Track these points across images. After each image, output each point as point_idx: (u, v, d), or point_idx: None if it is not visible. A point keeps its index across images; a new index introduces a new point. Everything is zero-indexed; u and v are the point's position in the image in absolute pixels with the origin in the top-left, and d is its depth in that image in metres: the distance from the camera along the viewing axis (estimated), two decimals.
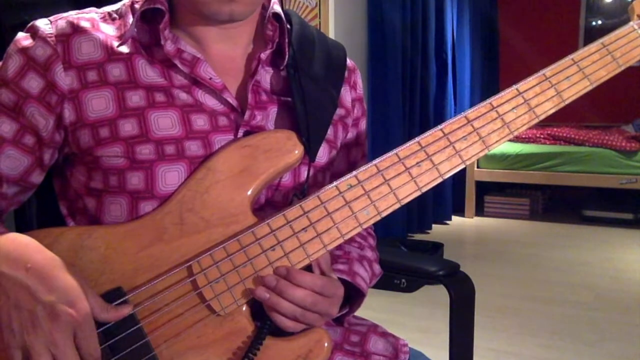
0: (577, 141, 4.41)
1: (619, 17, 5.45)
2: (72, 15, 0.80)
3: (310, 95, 0.82)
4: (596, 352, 2.30)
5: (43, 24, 0.77)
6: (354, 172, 0.75)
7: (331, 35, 3.18)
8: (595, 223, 4.37)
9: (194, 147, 0.76)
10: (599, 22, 5.58)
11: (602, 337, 2.44)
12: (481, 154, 0.77)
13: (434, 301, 2.79)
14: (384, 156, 0.76)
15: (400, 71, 3.73)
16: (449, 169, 0.76)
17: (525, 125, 0.79)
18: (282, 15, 0.83)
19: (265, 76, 0.83)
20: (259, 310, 0.75)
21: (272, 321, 0.73)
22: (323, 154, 0.85)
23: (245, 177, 0.75)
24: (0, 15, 0.96)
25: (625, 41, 0.83)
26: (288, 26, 0.85)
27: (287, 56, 0.83)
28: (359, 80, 0.96)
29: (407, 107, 3.90)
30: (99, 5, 0.84)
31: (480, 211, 4.74)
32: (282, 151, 0.76)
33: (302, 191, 0.79)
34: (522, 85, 0.80)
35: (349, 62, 0.93)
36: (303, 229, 0.73)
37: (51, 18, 0.79)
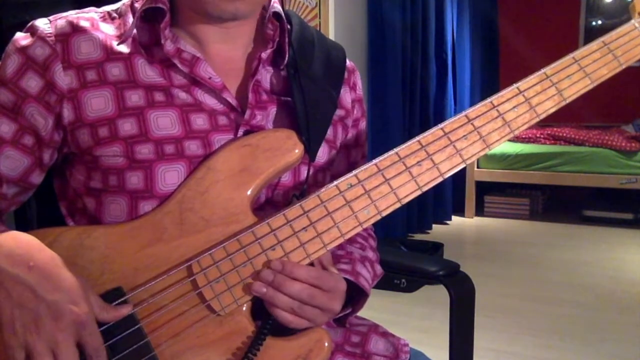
0: (577, 141, 4.41)
1: (619, 17, 5.46)
2: (72, 14, 0.79)
3: (310, 95, 0.82)
4: (596, 352, 2.30)
5: (42, 24, 0.77)
6: (354, 172, 0.75)
7: (331, 35, 3.18)
8: (595, 223, 4.37)
9: (193, 147, 0.76)
10: (599, 22, 5.58)
11: (602, 337, 2.44)
12: (482, 153, 0.77)
13: (434, 301, 2.79)
14: (384, 155, 0.76)
15: (400, 71, 3.73)
16: (449, 168, 0.76)
17: (526, 124, 0.79)
18: (283, 15, 0.83)
19: (266, 76, 0.83)
20: (259, 310, 0.74)
21: (273, 320, 0.73)
22: (323, 154, 0.85)
23: (245, 176, 0.75)
24: (0, 15, 0.96)
25: (627, 39, 0.83)
26: (288, 26, 0.84)
27: (287, 56, 0.83)
28: (359, 81, 0.96)
29: (407, 107, 3.90)
30: (98, 5, 0.84)
31: (480, 211, 4.74)
32: (282, 150, 0.76)
33: (302, 191, 0.78)
34: (522, 84, 0.80)
35: (348, 63, 0.93)
36: (303, 228, 0.73)
37: (50, 18, 0.78)
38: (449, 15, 4.43)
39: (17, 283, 0.65)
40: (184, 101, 0.77)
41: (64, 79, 0.75)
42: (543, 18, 5.61)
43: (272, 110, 0.82)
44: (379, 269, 0.92)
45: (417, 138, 0.77)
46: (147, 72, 0.77)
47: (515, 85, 0.79)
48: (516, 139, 4.52)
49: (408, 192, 0.75)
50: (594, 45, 0.82)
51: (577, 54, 0.82)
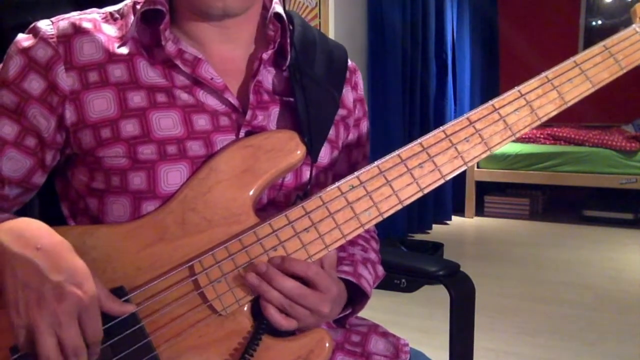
0: (577, 141, 4.41)
1: (619, 18, 5.45)
2: (74, 16, 0.80)
3: (312, 95, 0.82)
4: (596, 352, 2.30)
5: (44, 25, 0.77)
6: (356, 173, 0.75)
7: (331, 35, 3.18)
8: (595, 223, 4.37)
9: (195, 147, 0.76)
10: (599, 22, 5.58)
11: (602, 337, 2.44)
12: (483, 156, 0.77)
13: (434, 301, 2.79)
14: (386, 157, 0.76)
15: (400, 71, 3.73)
16: (451, 171, 0.76)
17: (528, 127, 0.79)
18: (284, 16, 0.83)
19: (267, 76, 0.83)
20: (259, 310, 0.75)
21: (268, 319, 0.73)
22: (325, 154, 0.85)
23: (247, 177, 0.75)
24: (1, 16, 0.96)
25: (628, 44, 0.83)
26: (290, 27, 0.85)
27: (289, 56, 0.83)
28: (360, 81, 0.96)
29: (407, 107, 3.90)
30: (100, 6, 0.84)
31: (480, 211, 4.74)
32: (285, 151, 0.76)
33: (305, 192, 0.79)
34: (524, 87, 0.80)
35: (350, 63, 0.94)
36: (305, 229, 0.73)
37: (53, 19, 0.79)
38: (449, 15, 4.43)
39: (24, 263, 0.65)
40: (186, 102, 0.78)
41: (66, 80, 0.75)
42: (543, 18, 5.60)
43: (274, 110, 0.82)
44: (380, 270, 0.92)
45: (419, 140, 0.77)
46: (149, 73, 0.78)
47: (516, 88, 0.80)
48: (516, 139, 4.51)
49: (410, 194, 0.75)
50: (595, 49, 0.83)
51: (579, 57, 0.82)
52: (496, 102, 0.79)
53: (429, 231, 4.24)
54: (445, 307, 1.06)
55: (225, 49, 0.82)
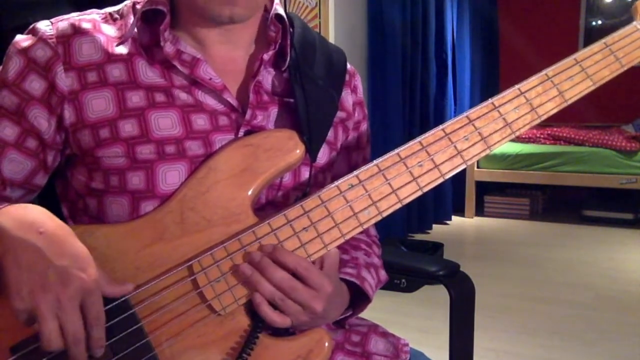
0: (577, 141, 4.41)
1: (619, 17, 5.45)
2: (74, 16, 0.80)
3: (311, 95, 0.82)
4: (596, 352, 2.30)
5: (44, 26, 0.77)
6: (355, 172, 0.75)
7: (331, 35, 3.18)
8: (595, 223, 4.37)
9: (194, 147, 0.76)
10: (599, 22, 5.58)
11: (602, 337, 2.44)
12: (483, 154, 0.77)
13: (434, 301, 2.79)
14: (385, 156, 0.76)
15: (400, 71, 3.73)
16: (450, 169, 0.76)
17: (527, 125, 0.79)
18: (285, 17, 0.83)
19: (267, 77, 0.83)
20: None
21: (263, 321, 0.72)
22: (323, 155, 0.85)
23: (246, 176, 0.75)
24: (0, 16, 0.96)
25: (628, 41, 0.83)
26: (290, 29, 0.85)
27: (288, 58, 0.83)
28: (359, 84, 0.96)
29: (407, 107, 3.90)
30: (99, 7, 0.84)
31: (480, 211, 4.74)
32: (284, 151, 0.76)
33: (304, 192, 0.78)
34: (524, 85, 0.80)
35: (349, 66, 0.94)
36: (304, 228, 0.73)
37: (52, 20, 0.79)
38: (449, 15, 4.43)
39: (26, 247, 0.65)
40: (185, 102, 0.78)
41: (65, 80, 0.75)
42: (543, 18, 5.60)
43: (273, 111, 0.82)
44: (383, 275, 0.92)
45: (418, 139, 0.77)
46: (148, 73, 0.78)
47: (516, 86, 0.79)
48: (516, 139, 4.51)
49: (409, 192, 0.75)
50: (596, 46, 0.83)
51: (579, 55, 0.82)
52: (496, 100, 0.79)
53: (429, 231, 4.24)
54: (445, 307, 1.05)
55: (225, 50, 0.82)
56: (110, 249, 0.73)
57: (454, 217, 4.59)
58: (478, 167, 4.59)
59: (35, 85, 0.75)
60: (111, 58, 0.77)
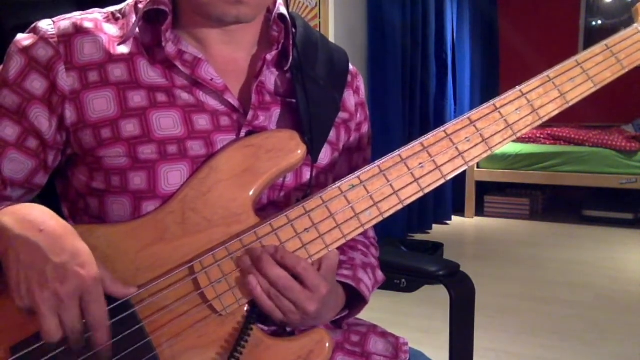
0: (577, 141, 4.41)
1: (619, 17, 5.45)
2: (76, 16, 0.79)
3: (313, 95, 0.82)
4: (596, 352, 2.30)
5: (45, 25, 0.77)
6: (357, 173, 0.75)
7: (331, 35, 3.18)
8: (595, 223, 4.37)
9: (196, 147, 0.76)
10: (599, 22, 5.58)
11: (602, 337, 2.44)
12: (484, 155, 0.77)
13: (434, 301, 2.79)
14: (387, 157, 0.76)
15: (400, 71, 3.73)
16: (451, 170, 0.76)
17: (529, 127, 0.79)
18: (288, 17, 0.83)
19: (270, 77, 0.83)
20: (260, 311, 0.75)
21: (258, 312, 0.72)
22: (325, 156, 0.85)
23: (247, 176, 0.75)
24: (1, 16, 0.96)
25: (630, 43, 0.83)
26: (293, 29, 0.85)
27: (291, 58, 0.83)
28: (362, 85, 0.96)
29: (407, 107, 3.90)
30: (101, 6, 0.84)
31: (480, 211, 4.74)
32: (285, 151, 0.76)
33: (305, 193, 0.78)
34: (525, 87, 0.80)
35: (351, 67, 0.94)
36: (305, 229, 0.73)
37: (54, 19, 0.78)
38: (449, 15, 4.43)
39: (27, 245, 0.65)
40: (186, 102, 0.77)
41: (66, 80, 0.75)
42: (543, 18, 5.60)
43: (275, 111, 0.82)
44: (380, 275, 0.92)
45: (420, 140, 0.77)
46: (149, 73, 0.77)
47: (518, 88, 0.79)
48: (516, 139, 4.51)
49: (410, 193, 0.75)
50: (597, 48, 0.83)
51: (580, 57, 0.82)
52: (497, 101, 0.79)
53: (429, 231, 4.24)
54: (445, 307, 1.05)
55: (227, 50, 0.82)
56: (111, 249, 0.73)
57: (454, 217, 4.59)
58: (478, 167, 4.59)
59: (36, 84, 0.75)
60: (113, 58, 0.77)
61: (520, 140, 4.55)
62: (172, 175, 0.75)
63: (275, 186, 0.80)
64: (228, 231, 0.74)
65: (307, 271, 0.72)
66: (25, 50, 0.76)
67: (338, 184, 0.74)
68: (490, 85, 5.29)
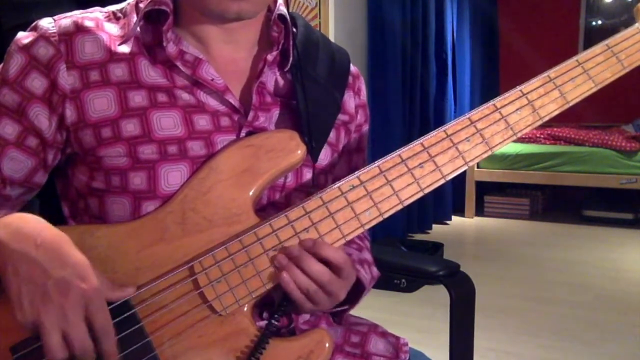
0: (577, 141, 4.41)
1: (619, 17, 5.45)
2: (77, 14, 0.79)
3: (313, 95, 0.82)
4: (596, 352, 2.31)
5: (46, 23, 0.77)
6: (357, 173, 0.75)
7: (331, 35, 3.18)
8: (595, 223, 4.37)
9: (196, 147, 0.76)
10: (599, 22, 5.58)
11: (602, 337, 2.44)
12: (484, 156, 0.77)
13: (434, 301, 2.79)
14: (387, 157, 0.76)
15: (400, 71, 3.74)
16: (451, 171, 0.76)
17: (529, 127, 0.79)
18: (288, 17, 0.83)
19: (271, 78, 0.83)
20: (261, 310, 0.74)
21: (277, 320, 0.73)
22: (325, 157, 0.85)
23: (247, 176, 0.75)
24: (1, 16, 0.96)
25: (631, 43, 0.83)
26: (294, 29, 0.84)
27: (291, 58, 0.83)
28: (363, 86, 0.96)
29: (407, 107, 3.91)
30: (102, 5, 0.84)
31: (480, 211, 4.74)
32: (285, 151, 0.76)
33: (307, 194, 0.78)
34: (526, 87, 0.80)
35: (352, 68, 0.93)
36: (305, 229, 0.73)
37: (55, 17, 0.78)
38: (449, 15, 4.43)
39: (25, 260, 0.65)
40: (187, 102, 0.77)
41: (67, 79, 0.75)
42: (543, 18, 5.60)
43: (275, 112, 0.82)
44: (375, 271, 0.92)
45: (420, 140, 0.77)
46: (150, 73, 0.77)
47: (518, 88, 0.79)
48: (516, 139, 4.51)
49: (410, 194, 0.75)
50: (598, 48, 0.82)
51: (581, 57, 0.82)
52: (498, 101, 0.79)
53: (429, 231, 4.24)
54: (445, 307, 1.05)
55: (228, 50, 0.82)
56: (111, 249, 0.73)
57: (454, 217, 4.59)
58: (478, 167, 4.59)
59: (37, 83, 0.75)
60: (113, 57, 0.77)
61: (520, 140, 4.55)
62: (172, 176, 0.75)
63: (275, 187, 0.80)
64: (228, 231, 0.74)
65: (347, 262, 0.73)
66: (26, 49, 0.76)
67: (338, 184, 0.74)
68: (490, 85, 5.29)
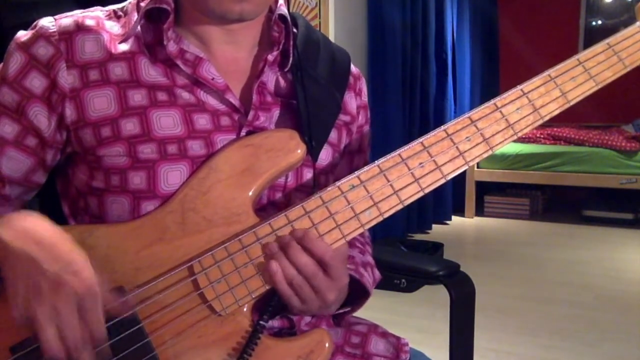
0: (577, 141, 4.41)
1: (619, 17, 5.45)
2: (78, 14, 0.79)
3: (313, 94, 0.82)
4: (596, 352, 2.31)
5: (47, 22, 0.77)
6: (357, 173, 0.75)
7: (331, 35, 3.18)
8: (595, 223, 4.38)
9: (196, 147, 0.76)
10: (599, 22, 5.58)
11: (602, 337, 2.44)
12: (485, 155, 0.77)
13: (434, 301, 2.79)
14: (387, 156, 0.75)
15: (400, 71, 3.74)
16: (452, 170, 0.76)
17: (530, 126, 0.79)
18: (288, 18, 0.83)
19: (271, 78, 0.83)
20: (259, 308, 0.74)
21: (268, 316, 0.73)
22: (326, 157, 0.85)
23: (247, 176, 0.75)
24: (1, 15, 0.96)
25: (632, 42, 0.83)
26: (294, 30, 0.84)
27: (291, 58, 0.83)
28: (364, 87, 0.95)
29: (407, 107, 3.91)
30: (103, 4, 0.84)
31: (480, 211, 4.74)
32: (285, 151, 0.76)
33: (308, 194, 0.78)
34: (526, 86, 0.79)
35: (353, 69, 0.93)
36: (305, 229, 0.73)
37: (56, 16, 0.78)
38: (449, 15, 4.43)
39: (21, 256, 0.65)
40: (187, 101, 0.77)
41: (66, 78, 0.75)
42: (543, 18, 5.60)
43: (276, 112, 0.82)
44: (377, 274, 0.92)
45: (420, 139, 0.76)
46: (150, 72, 0.77)
47: (519, 87, 0.79)
48: (516, 139, 4.51)
49: (410, 193, 0.75)
50: (599, 47, 0.82)
51: (582, 56, 0.81)
52: (498, 100, 0.78)
53: (429, 231, 4.24)
54: (445, 307, 1.05)
55: (229, 50, 0.82)
56: (110, 249, 0.73)
57: (453, 217, 4.59)
58: (478, 167, 4.59)
59: (36, 82, 0.75)
60: (114, 56, 0.77)
61: (520, 140, 4.55)
62: (172, 175, 0.75)
63: (275, 186, 0.80)
64: (228, 231, 0.73)
65: (335, 260, 0.72)
66: (26, 48, 0.76)
67: (338, 184, 0.74)
68: (490, 85, 5.29)
